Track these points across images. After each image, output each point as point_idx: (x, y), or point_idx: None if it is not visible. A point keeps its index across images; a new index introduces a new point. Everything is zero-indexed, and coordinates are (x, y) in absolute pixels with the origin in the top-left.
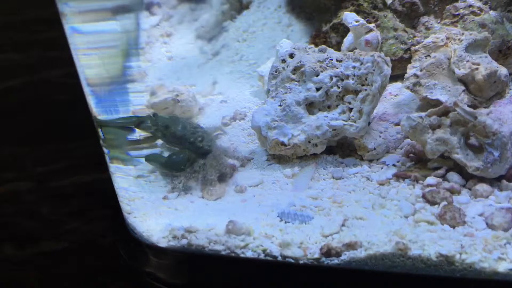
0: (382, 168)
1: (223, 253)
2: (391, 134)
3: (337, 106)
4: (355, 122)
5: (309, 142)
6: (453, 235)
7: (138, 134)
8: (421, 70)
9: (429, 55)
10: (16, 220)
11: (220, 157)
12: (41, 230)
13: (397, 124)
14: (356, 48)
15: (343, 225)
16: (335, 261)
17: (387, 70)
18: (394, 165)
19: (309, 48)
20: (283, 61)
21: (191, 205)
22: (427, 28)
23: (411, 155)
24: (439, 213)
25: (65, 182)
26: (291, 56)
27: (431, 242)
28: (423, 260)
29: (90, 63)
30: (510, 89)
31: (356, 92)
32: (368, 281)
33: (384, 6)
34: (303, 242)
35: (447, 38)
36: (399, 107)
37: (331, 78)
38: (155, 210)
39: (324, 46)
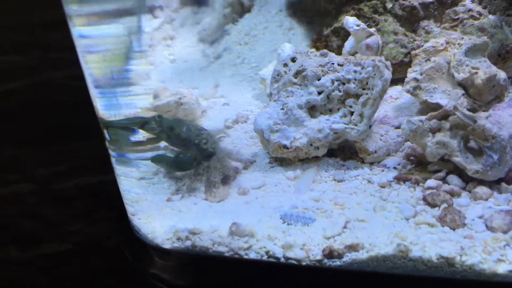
0: (383, 170)
1: (226, 254)
2: (392, 137)
3: (338, 109)
4: (356, 125)
5: (311, 145)
6: (453, 237)
7: (142, 135)
8: (421, 74)
9: (429, 59)
10: (17, 221)
11: (224, 159)
12: (46, 231)
13: (398, 127)
14: (357, 52)
15: (345, 227)
16: (337, 262)
17: (388, 74)
18: (394, 168)
19: (311, 52)
20: (285, 65)
21: (195, 207)
22: (427, 32)
23: (412, 158)
24: (439, 215)
25: (69, 183)
26: (293, 60)
27: (431, 244)
28: (424, 261)
29: (97, 65)
30: (509, 93)
31: (357, 96)
32: (369, 282)
33: (384, 10)
34: (306, 244)
35: (447, 43)
36: (399, 110)
37: (332, 82)
38: (159, 212)
39: (325, 50)
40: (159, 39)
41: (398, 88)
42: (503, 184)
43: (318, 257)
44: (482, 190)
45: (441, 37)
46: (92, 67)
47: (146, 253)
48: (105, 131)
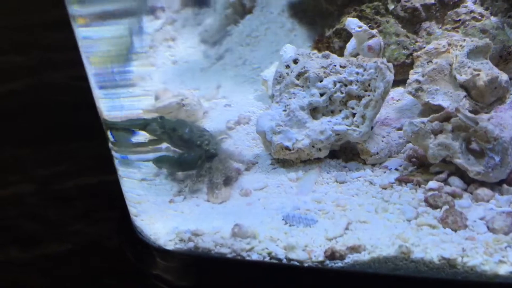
0: (384, 172)
1: (229, 256)
2: (394, 138)
3: (340, 111)
4: (358, 127)
5: (313, 146)
6: (455, 239)
7: (144, 137)
8: (423, 76)
9: (431, 61)
10: (18, 222)
11: (226, 160)
12: (46, 232)
13: (400, 129)
14: (359, 54)
15: (347, 228)
16: (339, 264)
17: (390, 76)
18: (396, 169)
19: (313, 54)
20: (287, 66)
21: (197, 209)
22: (429, 34)
23: (413, 159)
24: (441, 217)
25: (69, 184)
26: (295, 61)
27: (433, 245)
28: (426, 263)
29: (98, 66)
30: (511, 95)
31: (359, 98)
32: (371, 283)
33: (386, 12)
34: (308, 245)
35: (449, 45)
36: (401, 112)
37: (334, 84)
38: (162, 213)
39: (327, 52)
40: (160, 40)
41: (400, 89)
42: (505, 186)
43: (320, 259)
44: (483, 191)
45: (443, 38)
46: (94, 67)
47: (148, 254)
48: (108, 132)
